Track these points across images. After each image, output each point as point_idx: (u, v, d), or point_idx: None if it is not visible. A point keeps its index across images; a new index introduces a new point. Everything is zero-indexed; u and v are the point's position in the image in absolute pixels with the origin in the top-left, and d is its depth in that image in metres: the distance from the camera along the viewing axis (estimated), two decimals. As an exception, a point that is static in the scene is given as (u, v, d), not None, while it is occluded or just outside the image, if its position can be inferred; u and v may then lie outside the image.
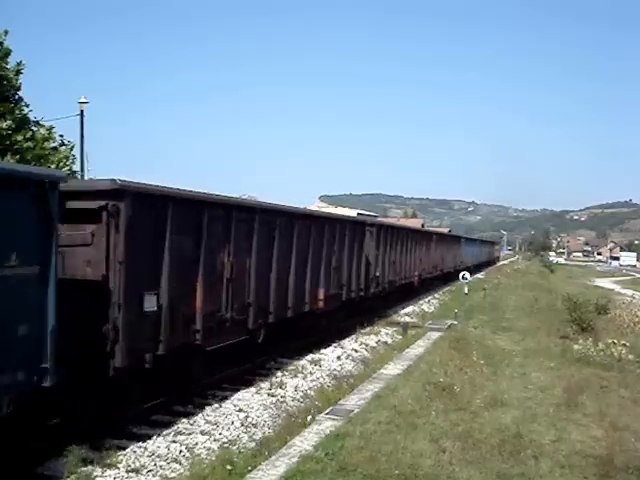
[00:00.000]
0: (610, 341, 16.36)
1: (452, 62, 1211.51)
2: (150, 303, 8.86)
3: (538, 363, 14.46)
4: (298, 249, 13.99)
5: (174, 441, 8.80)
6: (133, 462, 7.96)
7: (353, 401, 10.83)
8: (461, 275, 26.93)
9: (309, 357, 14.88)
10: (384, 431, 9.02)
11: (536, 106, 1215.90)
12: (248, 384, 12.09)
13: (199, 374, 10.93)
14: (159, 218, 9.06)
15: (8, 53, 17.87)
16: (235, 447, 8.88)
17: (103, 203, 8.27)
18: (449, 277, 39.20)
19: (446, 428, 9.29)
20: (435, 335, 18.58)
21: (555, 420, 10.05)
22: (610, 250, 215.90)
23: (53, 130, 19.17)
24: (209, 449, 8.71)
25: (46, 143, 18.45)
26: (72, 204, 7.85)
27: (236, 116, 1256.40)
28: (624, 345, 16.00)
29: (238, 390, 11.67)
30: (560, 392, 11.72)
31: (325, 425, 9.35)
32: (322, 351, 15.74)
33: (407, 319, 22.97)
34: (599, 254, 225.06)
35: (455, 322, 21.51)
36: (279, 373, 13.08)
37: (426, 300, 30.60)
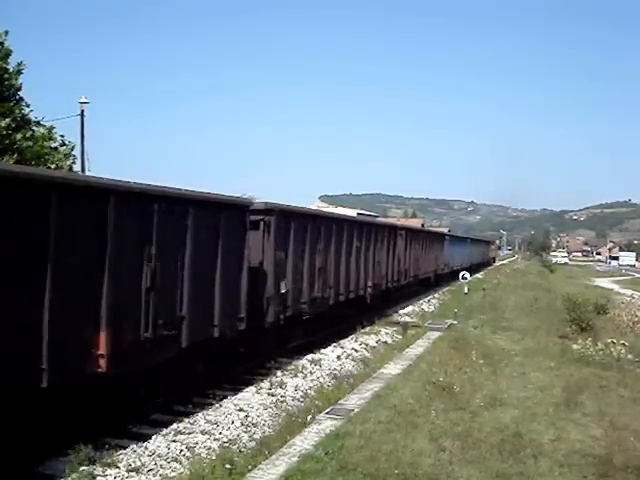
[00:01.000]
0: (609, 341, 16.38)
1: (452, 62, 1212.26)
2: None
3: (537, 363, 14.48)
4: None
5: (174, 440, 8.82)
6: (133, 461, 7.98)
7: (353, 401, 10.85)
8: (461, 275, 26.96)
9: (309, 357, 14.90)
10: (384, 430, 9.04)
11: (536, 106, 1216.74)
12: (248, 384, 12.10)
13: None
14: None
15: (8, 53, 17.87)
16: (235, 446, 8.90)
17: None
18: (431, 284, 34.54)
19: (446, 427, 9.32)
20: (435, 335, 18.60)
21: (554, 419, 10.08)
22: (609, 250, 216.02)
23: (54, 130, 19.18)
24: (209, 448, 8.73)
25: (46, 143, 18.44)
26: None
27: (236, 116, 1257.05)
28: (623, 345, 16.03)
29: (238, 390, 11.69)
30: (559, 392, 11.74)
31: (325, 425, 9.37)
32: (322, 351, 15.76)
33: (407, 319, 22.99)
34: (598, 254, 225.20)
35: (455, 322, 21.55)
36: (279, 373, 13.09)
37: (426, 300, 30.65)
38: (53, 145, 18.96)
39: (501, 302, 30.46)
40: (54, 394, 7.59)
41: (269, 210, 13.11)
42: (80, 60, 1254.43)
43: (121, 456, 8.05)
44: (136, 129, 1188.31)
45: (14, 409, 7.28)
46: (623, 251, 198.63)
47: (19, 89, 18.18)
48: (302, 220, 14.87)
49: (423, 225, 77.11)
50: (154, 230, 8.99)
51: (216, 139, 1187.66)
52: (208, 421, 9.79)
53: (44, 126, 18.89)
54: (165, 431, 9.15)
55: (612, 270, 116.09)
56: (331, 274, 16.59)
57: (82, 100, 26.89)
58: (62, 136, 19.72)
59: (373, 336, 18.70)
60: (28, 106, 18.42)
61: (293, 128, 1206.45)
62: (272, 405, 11.06)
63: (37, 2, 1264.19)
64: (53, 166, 18.16)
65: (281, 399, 11.45)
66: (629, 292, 47.82)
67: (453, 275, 38.77)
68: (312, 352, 15.35)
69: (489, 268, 69.30)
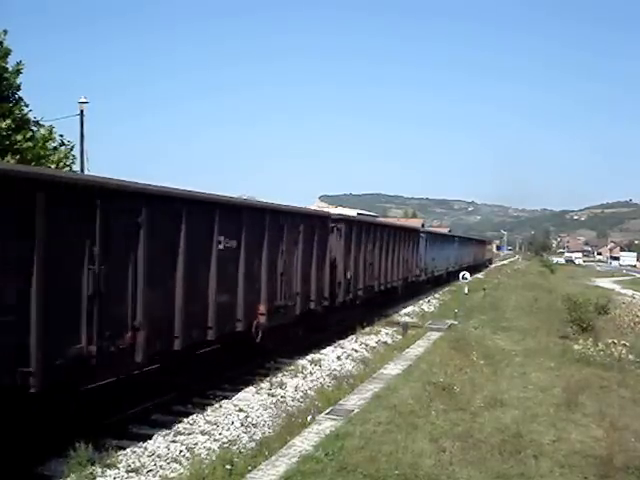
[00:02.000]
0: (610, 341, 16.35)
1: (452, 62, 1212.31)
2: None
3: (538, 363, 14.46)
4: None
5: (174, 441, 8.81)
6: (133, 462, 7.97)
7: (353, 401, 10.83)
8: (461, 275, 26.94)
9: (309, 357, 14.89)
10: (384, 431, 9.02)
11: (536, 106, 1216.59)
12: (248, 384, 12.09)
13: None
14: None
15: (8, 53, 17.86)
16: (235, 447, 8.88)
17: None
18: (397, 297, 25.98)
19: (446, 428, 9.30)
20: (435, 335, 18.58)
21: (555, 420, 10.05)
22: (610, 250, 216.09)
23: (53, 130, 19.19)
24: (209, 449, 8.71)
25: (47, 143, 18.45)
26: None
27: (236, 116, 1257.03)
28: (624, 345, 16.00)
29: (238, 390, 11.68)
30: (560, 392, 11.71)
31: (325, 425, 9.35)
32: (322, 351, 15.75)
33: (407, 319, 22.98)
34: (599, 254, 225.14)
35: (455, 322, 21.53)
36: (279, 373, 13.08)
37: (426, 300, 30.63)
38: (53, 145, 18.97)
39: (501, 302, 30.44)
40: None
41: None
42: (80, 60, 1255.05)
43: (121, 457, 8.04)
44: (136, 129, 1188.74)
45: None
46: (624, 251, 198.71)
47: (18, 88, 18.18)
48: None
49: (423, 225, 74.54)
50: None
51: (216, 139, 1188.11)
52: (208, 421, 9.77)
53: (44, 126, 18.90)
54: (165, 431, 9.14)
55: (613, 270, 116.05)
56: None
57: (82, 100, 26.88)
58: (61, 136, 19.74)
59: (373, 336, 18.70)
60: (27, 106, 18.44)
61: (293, 128, 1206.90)
62: (272, 405, 11.05)
63: (37, 2, 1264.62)
64: (53, 166, 18.17)
65: (281, 399, 11.44)
66: (630, 292, 47.79)
67: (435, 282, 35.72)
68: (312, 352, 15.34)
69: (484, 271, 61.89)
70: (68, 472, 7.42)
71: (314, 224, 15.50)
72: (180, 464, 8.10)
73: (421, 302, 29.38)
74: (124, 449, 8.33)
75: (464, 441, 8.71)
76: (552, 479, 7.77)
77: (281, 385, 12.15)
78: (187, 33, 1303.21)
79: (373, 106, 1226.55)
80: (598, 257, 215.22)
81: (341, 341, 17.29)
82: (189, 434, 9.16)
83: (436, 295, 33.48)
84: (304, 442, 8.57)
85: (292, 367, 13.74)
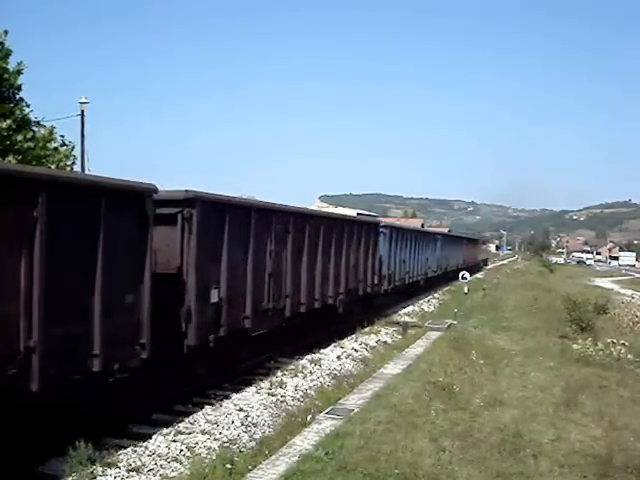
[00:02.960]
0: (609, 341, 16.37)
1: (452, 61, 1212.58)
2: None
3: (537, 363, 14.48)
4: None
5: (174, 440, 8.82)
6: (134, 461, 7.99)
7: (353, 400, 10.86)
8: (461, 275, 26.94)
9: (309, 357, 14.90)
10: (384, 430, 9.04)
11: (536, 106, 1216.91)
12: (248, 384, 12.11)
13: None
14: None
15: (9, 53, 17.85)
16: (235, 446, 8.91)
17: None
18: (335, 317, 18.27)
19: (446, 427, 9.32)
20: (435, 335, 18.61)
21: (554, 419, 10.08)
22: (609, 250, 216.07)
23: (54, 131, 19.18)
24: (209, 448, 8.73)
25: (47, 144, 18.45)
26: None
27: (235, 115, 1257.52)
28: (623, 345, 16.01)
29: (238, 390, 11.70)
30: (559, 391, 11.74)
31: (325, 424, 9.38)
32: (322, 351, 15.76)
33: (407, 319, 23.00)
34: (598, 254, 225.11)
35: (455, 322, 21.55)
36: (279, 372, 13.10)
37: (426, 300, 30.65)
38: (53, 145, 18.97)
39: (501, 302, 30.46)
40: None
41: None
42: (80, 60, 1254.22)
43: (121, 456, 8.06)
44: (135, 128, 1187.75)
45: None
46: (623, 251, 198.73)
47: (19, 89, 18.17)
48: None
49: (423, 225, 73.44)
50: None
51: (216, 139, 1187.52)
52: (208, 421, 9.79)
53: (44, 127, 18.90)
54: (165, 431, 9.16)
55: (612, 270, 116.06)
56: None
57: (82, 100, 26.90)
58: (62, 136, 19.74)
59: (373, 336, 18.71)
60: (28, 106, 18.43)
61: (293, 128, 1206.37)
62: (272, 405, 11.06)
63: (37, 2, 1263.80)
64: (54, 166, 18.18)
65: (281, 399, 11.46)
66: (629, 292, 47.80)
67: (406, 291, 27.98)
68: (312, 352, 15.36)
69: (477, 275, 52.69)
70: (69, 471, 7.44)
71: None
72: (180, 463, 8.12)
73: (421, 302, 29.41)
74: (124, 448, 8.35)
75: (464, 440, 8.73)
76: (551, 478, 7.79)
77: (281, 384, 12.17)
78: (187, 33, 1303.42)
79: (373, 106, 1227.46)
80: (597, 257, 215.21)
81: (341, 341, 17.30)
82: (189, 433, 9.18)
83: (436, 295, 33.52)
84: (304, 441, 8.60)
85: (292, 367, 13.76)
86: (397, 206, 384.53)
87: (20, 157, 16.88)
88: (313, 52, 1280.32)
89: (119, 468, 7.75)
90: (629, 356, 15.35)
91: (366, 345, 17.42)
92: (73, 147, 20.34)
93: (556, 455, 8.46)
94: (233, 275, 11.34)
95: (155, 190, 9.08)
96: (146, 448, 8.46)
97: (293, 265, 13.91)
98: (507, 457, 8.26)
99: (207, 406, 10.52)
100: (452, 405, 10.48)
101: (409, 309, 26.47)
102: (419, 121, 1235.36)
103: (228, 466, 7.68)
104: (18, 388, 6.93)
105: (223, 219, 11.02)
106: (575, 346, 16.12)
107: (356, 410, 10.14)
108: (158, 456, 8.26)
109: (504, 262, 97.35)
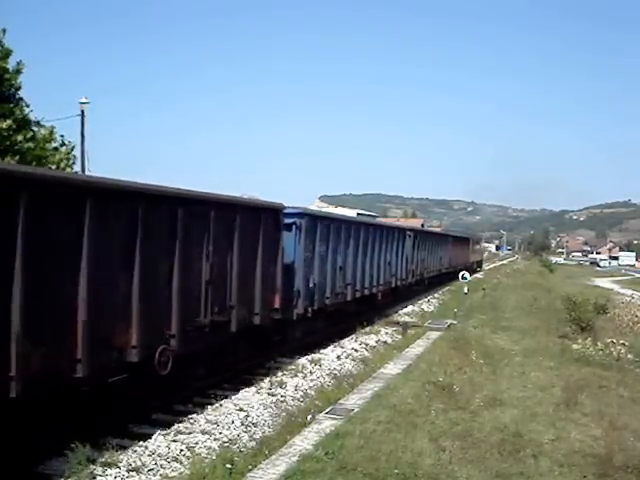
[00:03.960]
0: (609, 340, 16.40)
1: (452, 61, 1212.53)
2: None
3: (537, 362, 14.49)
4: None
5: (174, 440, 8.83)
6: (134, 461, 7.99)
7: (353, 400, 10.86)
8: (461, 275, 26.97)
9: (309, 357, 14.91)
10: (384, 430, 9.05)
11: (536, 106, 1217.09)
12: (248, 383, 12.12)
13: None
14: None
15: (8, 53, 17.86)
16: (235, 446, 8.91)
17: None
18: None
19: (446, 427, 9.32)
20: (435, 335, 18.62)
21: (554, 419, 10.08)
22: (609, 250, 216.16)
23: (54, 131, 19.20)
24: (209, 448, 8.74)
25: (47, 144, 18.46)
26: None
27: (235, 115, 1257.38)
28: (623, 344, 16.05)
29: (238, 389, 11.71)
30: (559, 391, 11.75)
31: (325, 424, 9.38)
32: (322, 351, 15.78)
33: (407, 319, 23.01)
34: (598, 254, 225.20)
35: (455, 322, 21.56)
36: (279, 372, 13.11)
37: (426, 300, 30.67)
38: (53, 145, 18.98)
39: (501, 302, 30.47)
40: None
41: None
42: (80, 60, 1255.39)
43: (121, 456, 8.05)
44: (136, 128, 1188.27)
45: None
46: (623, 251, 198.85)
47: (19, 89, 18.18)
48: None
49: (423, 225, 72.33)
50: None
51: (216, 138, 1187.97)
52: (208, 421, 9.79)
53: (44, 127, 18.91)
54: (165, 431, 9.16)
55: (612, 270, 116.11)
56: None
57: (82, 100, 26.93)
58: (62, 136, 19.76)
59: (373, 336, 18.72)
60: (28, 106, 18.44)
61: (293, 127, 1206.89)
62: (272, 405, 11.07)
63: (37, 2, 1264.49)
64: (54, 166, 18.19)
65: (281, 399, 11.46)
66: (629, 292, 47.86)
67: (338, 317, 18.89)
68: (312, 352, 15.37)
69: (476, 275, 49.98)
70: (69, 471, 7.44)
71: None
72: (180, 463, 8.12)
73: (421, 302, 29.43)
74: (125, 448, 8.35)
75: (463, 440, 8.74)
76: (551, 478, 7.80)
77: (281, 384, 12.18)
78: (187, 33, 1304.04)
79: (373, 105, 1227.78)
80: (598, 257, 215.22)
81: (341, 341, 17.32)
82: (189, 433, 9.18)
83: (436, 295, 33.54)
84: (304, 441, 8.60)
85: (292, 366, 13.77)
86: (397, 206, 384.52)
87: (20, 157, 16.89)
88: (313, 52, 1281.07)
89: (119, 468, 7.75)
90: (629, 356, 15.37)
91: (366, 345, 17.43)
92: (73, 147, 20.37)
93: (556, 455, 8.47)
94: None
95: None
96: (146, 448, 8.46)
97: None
98: (507, 457, 8.26)
99: (207, 406, 10.53)
100: (452, 405, 10.49)
101: (409, 309, 26.49)
102: (419, 121, 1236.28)
103: (228, 466, 7.68)
104: None
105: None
106: (575, 346, 16.15)
107: (356, 410, 10.15)
108: (158, 456, 8.26)
109: (504, 262, 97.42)
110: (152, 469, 7.88)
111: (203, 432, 9.29)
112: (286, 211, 13.84)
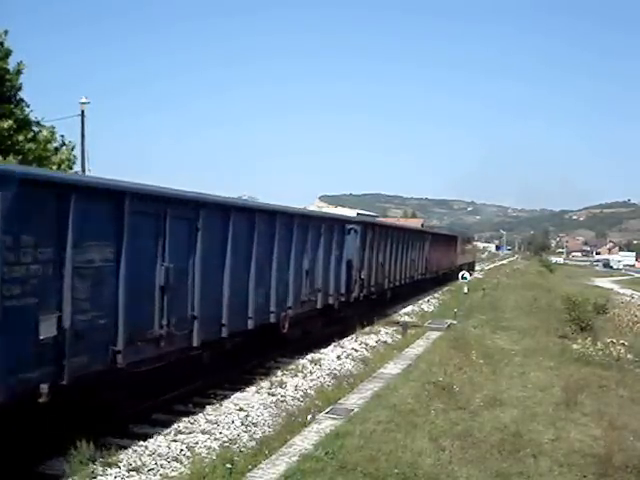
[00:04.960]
0: (609, 340, 16.41)
1: (452, 61, 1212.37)
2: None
3: (537, 362, 14.50)
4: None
5: (175, 440, 8.83)
6: (134, 461, 7.99)
7: (353, 400, 10.87)
8: (460, 275, 26.98)
9: (309, 356, 14.92)
10: (384, 430, 9.05)
11: (536, 106, 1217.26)
12: (248, 383, 12.12)
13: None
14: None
15: (9, 54, 17.88)
16: (235, 446, 8.91)
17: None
18: None
19: (446, 427, 9.33)
20: (435, 335, 18.62)
21: (554, 419, 10.09)
22: (609, 250, 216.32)
23: (55, 131, 19.22)
24: (209, 448, 8.74)
25: (49, 145, 18.49)
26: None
27: (235, 115, 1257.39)
28: (623, 344, 16.05)
29: (238, 389, 11.71)
30: (559, 391, 11.75)
31: (325, 424, 9.39)
32: (322, 351, 15.78)
33: (407, 319, 23.01)
34: (598, 254, 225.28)
35: (454, 322, 21.56)
36: (279, 372, 13.12)
37: (426, 300, 30.68)
38: (54, 146, 19.01)
39: (501, 302, 30.48)
40: None
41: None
42: (80, 60, 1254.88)
43: (122, 456, 8.06)
44: (136, 128, 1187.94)
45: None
46: (622, 251, 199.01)
47: (19, 89, 18.20)
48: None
49: (422, 225, 71.33)
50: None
51: (216, 138, 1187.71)
52: (208, 421, 9.80)
53: (45, 127, 18.93)
54: (165, 431, 9.16)
55: (612, 270, 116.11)
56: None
57: (82, 100, 26.95)
58: (62, 136, 19.78)
59: (373, 336, 18.73)
60: (28, 107, 18.46)
61: (293, 128, 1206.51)
62: (272, 405, 11.07)
63: (37, 2, 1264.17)
64: (55, 167, 18.21)
65: (281, 399, 11.47)
66: (629, 292, 47.87)
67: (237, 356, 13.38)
68: (312, 352, 15.37)
69: (476, 275, 47.21)
70: (70, 471, 7.45)
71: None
72: (181, 463, 8.12)
73: (421, 302, 29.43)
74: (125, 448, 8.36)
75: (463, 440, 8.75)
76: (551, 478, 7.81)
77: (281, 384, 12.19)
78: (187, 33, 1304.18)
79: (373, 105, 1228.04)
80: (597, 257, 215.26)
81: (341, 341, 17.32)
82: (189, 433, 9.19)
83: (436, 295, 33.54)
84: (304, 441, 8.61)
85: (292, 366, 13.78)
86: (397, 206, 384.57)
87: (21, 157, 16.91)
88: (313, 52, 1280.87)
89: (119, 468, 7.75)
90: (629, 356, 15.39)
91: (366, 345, 17.43)
92: (73, 147, 20.40)
93: (556, 455, 8.48)
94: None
95: (349, 219, 19.62)
96: (146, 448, 8.46)
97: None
98: (507, 457, 8.27)
99: (207, 406, 10.53)
100: (452, 405, 10.49)
101: (409, 309, 26.48)
102: (419, 121, 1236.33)
103: (228, 466, 7.68)
104: None
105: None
106: (575, 346, 16.15)
107: (356, 410, 10.15)
108: (158, 456, 8.26)
109: (504, 262, 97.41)
110: (152, 469, 7.88)
111: (203, 432, 9.30)
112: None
